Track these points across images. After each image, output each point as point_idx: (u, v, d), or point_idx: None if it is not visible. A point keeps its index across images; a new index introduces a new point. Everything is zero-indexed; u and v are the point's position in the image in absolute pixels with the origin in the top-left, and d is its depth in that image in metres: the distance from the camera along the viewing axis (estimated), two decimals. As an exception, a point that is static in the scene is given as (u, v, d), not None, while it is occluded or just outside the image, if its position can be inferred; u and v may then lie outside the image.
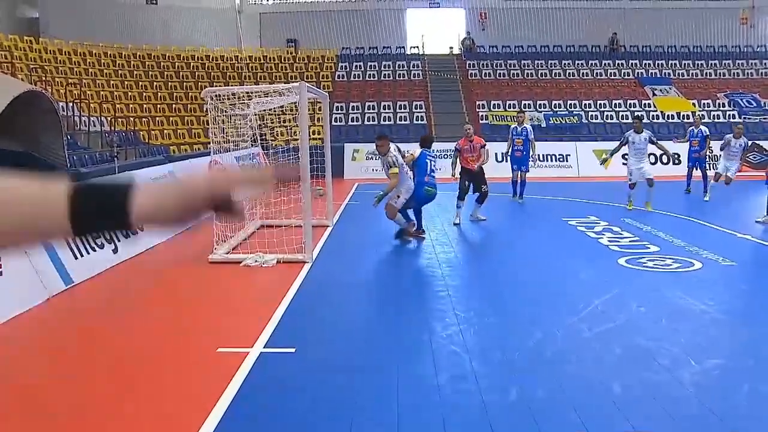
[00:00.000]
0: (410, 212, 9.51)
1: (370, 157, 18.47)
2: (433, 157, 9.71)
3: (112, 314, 6.27)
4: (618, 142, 12.92)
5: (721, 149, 13.48)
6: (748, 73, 25.98)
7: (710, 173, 14.26)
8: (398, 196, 9.05)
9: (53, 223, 0.81)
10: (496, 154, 16.60)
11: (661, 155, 16.50)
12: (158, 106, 21.44)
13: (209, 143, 9.96)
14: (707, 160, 15.19)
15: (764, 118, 22.14)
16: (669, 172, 17.00)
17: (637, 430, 3.64)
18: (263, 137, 16.52)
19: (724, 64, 26.46)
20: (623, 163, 16.85)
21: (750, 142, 14.20)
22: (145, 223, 0.81)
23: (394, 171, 8.91)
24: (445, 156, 18.19)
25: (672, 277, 7.26)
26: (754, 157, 16.59)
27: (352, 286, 7.49)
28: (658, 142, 12.50)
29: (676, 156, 14.29)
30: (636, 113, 20.73)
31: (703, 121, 17.74)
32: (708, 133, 14.88)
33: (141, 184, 0.82)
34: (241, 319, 5.97)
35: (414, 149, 9.84)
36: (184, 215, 0.82)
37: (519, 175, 13.39)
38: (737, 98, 23.42)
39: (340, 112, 22.53)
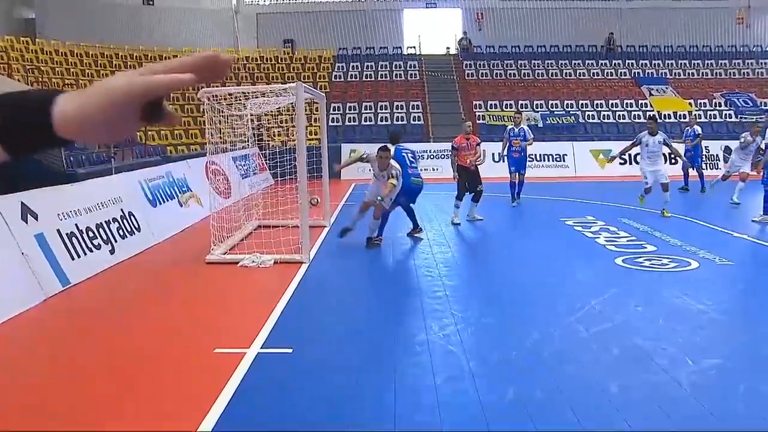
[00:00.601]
0: (391, 217, 9.46)
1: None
2: (408, 150, 9.78)
3: (110, 315, 6.25)
4: (630, 142, 12.21)
5: (742, 149, 12.83)
6: (744, 72, 26.04)
7: (717, 172, 14.24)
8: (391, 199, 9.06)
9: None
10: (493, 154, 16.62)
11: (671, 155, 15.69)
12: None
13: (206, 144, 9.95)
14: (703, 158, 15.21)
15: (760, 118, 22.18)
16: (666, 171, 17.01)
17: (634, 431, 3.64)
18: (260, 138, 16.51)
19: (721, 63, 26.51)
20: (620, 163, 16.93)
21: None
22: (71, 129, 0.79)
23: (392, 182, 8.83)
24: (443, 156, 18.24)
25: (669, 277, 7.27)
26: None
27: (349, 287, 7.50)
28: (673, 144, 11.82)
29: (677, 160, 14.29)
30: (650, 113, 20.79)
31: (699, 120, 17.79)
32: (699, 132, 14.98)
33: (65, 92, 0.79)
34: (239, 320, 5.97)
35: None
36: (109, 119, 0.79)
37: (517, 177, 13.21)
38: (733, 98, 23.47)
39: (337, 112, 22.52)
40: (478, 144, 11.17)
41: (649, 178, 11.37)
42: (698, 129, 15.11)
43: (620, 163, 17.06)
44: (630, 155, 15.65)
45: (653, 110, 22.87)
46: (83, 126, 0.79)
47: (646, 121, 12.52)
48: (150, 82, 0.78)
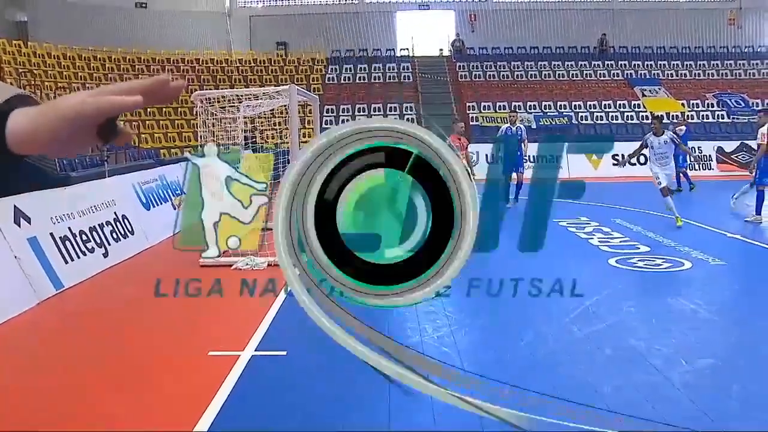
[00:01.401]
0: None
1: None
2: None
3: (103, 318, 6.23)
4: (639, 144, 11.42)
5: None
6: (736, 73, 26.15)
7: (712, 173, 14.26)
8: None
9: None
10: (486, 155, 16.64)
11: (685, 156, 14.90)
12: (148, 109, 21.34)
13: (199, 147, 9.93)
14: (688, 160, 15.26)
15: (752, 118, 22.27)
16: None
17: (628, 431, 3.64)
18: (254, 140, 16.46)
19: (713, 64, 26.62)
20: (614, 164, 16.99)
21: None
22: (23, 146, 0.80)
23: None
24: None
25: (662, 277, 7.29)
26: (742, 157, 16.74)
27: (344, 289, 7.48)
28: (681, 143, 11.30)
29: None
30: (655, 114, 20.76)
31: (692, 121, 17.83)
32: (682, 133, 15.03)
33: (20, 109, 0.81)
34: (233, 322, 5.96)
35: None
36: (61, 137, 0.80)
37: (516, 177, 12.90)
38: (726, 98, 23.57)
39: (330, 114, 22.52)
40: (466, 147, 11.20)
41: (662, 178, 10.55)
42: (681, 129, 15.19)
43: (614, 164, 17.12)
44: (624, 157, 15.68)
45: (646, 111, 22.95)
46: (35, 143, 0.80)
47: (649, 122, 12.28)
48: (100, 103, 0.80)
